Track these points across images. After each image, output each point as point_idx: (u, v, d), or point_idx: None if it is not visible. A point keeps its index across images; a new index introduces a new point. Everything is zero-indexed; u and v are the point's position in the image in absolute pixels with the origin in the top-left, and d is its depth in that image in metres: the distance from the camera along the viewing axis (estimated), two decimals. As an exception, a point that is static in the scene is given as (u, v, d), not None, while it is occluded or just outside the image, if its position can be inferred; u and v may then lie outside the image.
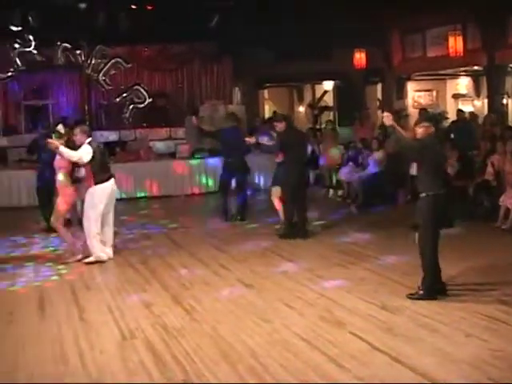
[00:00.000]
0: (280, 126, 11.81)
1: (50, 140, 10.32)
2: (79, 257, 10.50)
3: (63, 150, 10.15)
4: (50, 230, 11.64)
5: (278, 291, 8.36)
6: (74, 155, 10.19)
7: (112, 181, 10.58)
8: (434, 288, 7.78)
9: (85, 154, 10.23)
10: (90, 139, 10.44)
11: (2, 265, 10.50)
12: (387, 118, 8.00)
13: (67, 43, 21.29)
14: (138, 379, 5.80)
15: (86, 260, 10.39)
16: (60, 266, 10.24)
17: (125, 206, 15.56)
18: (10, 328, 7.43)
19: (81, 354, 6.49)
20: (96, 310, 7.91)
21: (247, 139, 12.13)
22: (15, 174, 17.08)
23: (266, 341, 6.60)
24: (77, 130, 10.50)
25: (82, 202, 10.57)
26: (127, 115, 22.10)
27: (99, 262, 10.31)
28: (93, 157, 10.27)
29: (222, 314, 7.56)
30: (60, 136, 10.67)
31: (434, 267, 7.82)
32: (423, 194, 7.82)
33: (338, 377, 5.67)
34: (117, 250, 10.94)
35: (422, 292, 7.76)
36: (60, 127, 11.62)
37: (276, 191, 11.85)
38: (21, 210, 16.04)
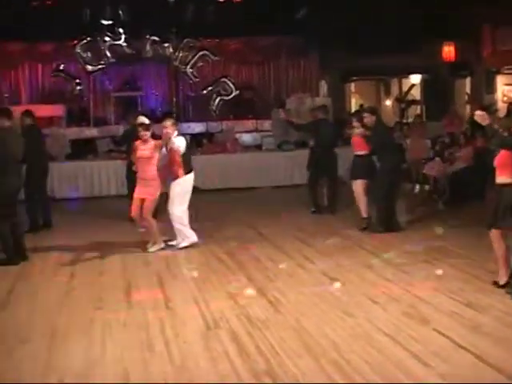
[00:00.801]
0: (370, 119, 11.66)
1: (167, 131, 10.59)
2: (162, 245, 10.80)
3: (174, 140, 10.46)
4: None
5: (363, 285, 8.35)
6: (181, 145, 10.58)
7: (193, 172, 10.84)
8: None
9: (183, 144, 10.58)
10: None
11: (91, 253, 10.78)
12: (482, 118, 7.71)
13: (156, 36, 21.62)
14: (221, 368, 5.87)
15: (181, 245, 10.75)
16: (147, 255, 10.47)
17: (211, 197, 15.75)
18: (99, 314, 7.61)
19: (166, 342, 6.61)
20: (182, 300, 8.04)
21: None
22: (105, 164, 17.49)
23: (350, 335, 6.60)
24: (168, 123, 10.72)
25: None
26: (214, 107, 22.30)
27: (189, 247, 10.75)
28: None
29: (306, 306, 7.59)
30: (146, 128, 10.84)
31: None
32: None
33: (420, 373, 5.62)
34: (203, 240, 11.12)
35: None
36: (143, 119, 11.82)
37: (359, 184, 11.75)
38: (110, 199, 16.44)
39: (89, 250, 10.95)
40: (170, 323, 7.16)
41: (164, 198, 10.90)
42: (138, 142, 10.74)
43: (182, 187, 10.73)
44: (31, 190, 12.67)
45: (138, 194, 10.69)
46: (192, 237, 10.85)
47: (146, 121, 11.48)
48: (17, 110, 13.74)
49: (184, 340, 6.63)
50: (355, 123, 11.91)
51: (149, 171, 10.59)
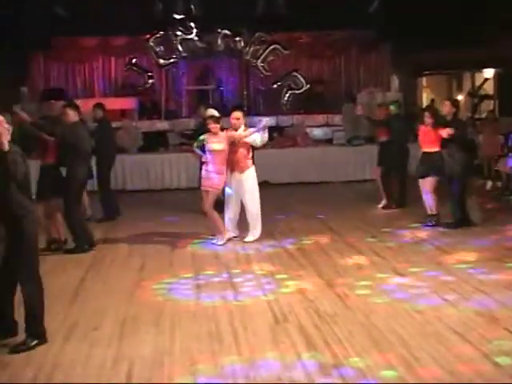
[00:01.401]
0: (449, 109, 11.45)
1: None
2: (227, 236, 10.88)
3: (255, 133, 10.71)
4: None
5: (433, 282, 8.24)
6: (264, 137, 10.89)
7: None
8: None
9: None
10: None
11: (161, 244, 10.92)
12: None
13: (227, 30, 21.75)
14: (289, 361, 5.89)
15: (252, 238, 10.89)
16: (216, 248, 10.55)
17: (281, 191, 15.80)
18: (168, 305, 7.71)
19: (235, 334, 6.66)
20: (250, 293, 8.08)
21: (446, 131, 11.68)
22: (175, 156, 17.66)
23: (419, 332, 6.54)
24: (238, 114, 10.82)
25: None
26: (285, 101, 22.34)
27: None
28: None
29: (375, 302, 7.55)
30: (216, 120, 10.88)
31: None
32: None
33: (490, 373, 5.53)
34: (272, 234, 11.21)
35: None
36: (213, 111, 11.86)
37: (431, 182, 11.55)
38: (180, 192, 16.62)
39: (158, 242, 11.12)
40: (239, 316, 7.21)
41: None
42: (207, 135, 10.77)
43: (256, 178, 10.96)
44: (101, 181, 13.02)
45: (204, 186, 10.72)
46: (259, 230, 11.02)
47: (216, 113, 11.53)
48: (90, 103, 14.13)
49: (253, 333, 6.67)
50: (427, 119, 11.70)
51: (219, 163, 10.63)
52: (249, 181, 10.83)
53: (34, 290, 6.59)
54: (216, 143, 10.62)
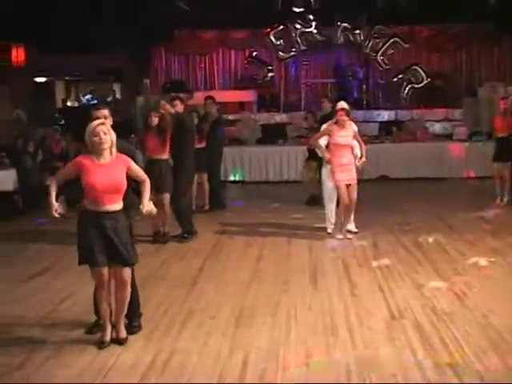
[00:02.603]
0: None
1: None
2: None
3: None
4: (313, 203, 12.08)
5: (554, 284, 8.03)
6: None
7: None
8: None
9: None
10: None
11: (278, 236, 11.02)
12: None
13: (347, 23, 21.69)
14: (403, 358, 5.85)
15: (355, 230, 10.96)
16: (333, 241, 10.58)
17: (399, 186, 15.68)
18: (285, 297, 7.77)
19: (350, 328, 6.67)
20: (367, 287, 8.05)
21: None
22: (292, 149, 17.73)
23: (539, 334, 6.39)
24: (345, 105, 10.76)
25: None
26: (404, 95, 22.11)
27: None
28: None
29: (495, 302, 7.37)
30: (347, 113, 10.63)
31: None
32: None
33: None
34: (390, 229, 11.23)
35: None
36: (343, 104, 11.76)
37: None
38: (297, 184, 16.65)
39: (276, 233, 11.24)
40: (355, 310, 7.21)
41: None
42: (333, 128, 10.53)
43: None
44: (211, 171, 13.30)
45: (344, 180, 10.49)
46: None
47: (347, 106, 11.16)
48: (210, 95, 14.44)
49: (368, 328, 6.66)
50: None
51: (350, 156, 10.54)
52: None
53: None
54: (344, 137, 10.50)
